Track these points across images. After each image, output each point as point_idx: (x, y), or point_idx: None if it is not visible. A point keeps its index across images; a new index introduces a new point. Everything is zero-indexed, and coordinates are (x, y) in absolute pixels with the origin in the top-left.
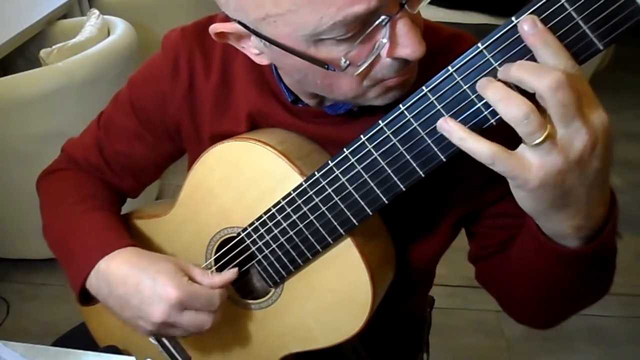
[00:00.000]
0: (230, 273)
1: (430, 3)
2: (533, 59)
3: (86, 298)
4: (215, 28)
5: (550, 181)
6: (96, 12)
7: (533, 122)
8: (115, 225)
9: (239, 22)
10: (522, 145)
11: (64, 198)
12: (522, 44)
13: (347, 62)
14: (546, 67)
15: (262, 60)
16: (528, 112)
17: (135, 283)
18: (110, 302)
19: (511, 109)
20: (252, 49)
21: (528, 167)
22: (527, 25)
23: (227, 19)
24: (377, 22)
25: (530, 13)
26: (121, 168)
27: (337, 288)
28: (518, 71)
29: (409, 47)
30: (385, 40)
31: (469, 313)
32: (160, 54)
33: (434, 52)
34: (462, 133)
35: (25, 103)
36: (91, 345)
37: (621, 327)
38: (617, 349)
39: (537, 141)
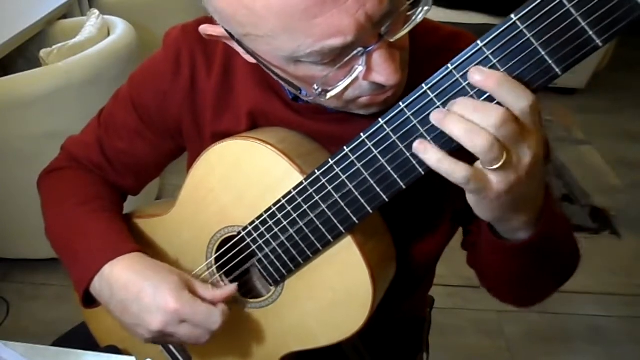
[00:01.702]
0: (231, 287)
1: None
2: (534, 54)
3: (89, 301)
4: (204, 30)
5: (506, 193)
6: (96, 12)
7: (495, 151)
8: (120, 228)
9: (225, 30)
10: (481, 166)
11: (66, 198)
12: (521, 41)
13: (319, 90)
14: (490, 106)
15: (251, 60)
16: (493, 142)
17: (136, 290)
18: (112, 306)
19: (477, 141)
20: (240, 50)
21: (490, 184)
22: (477, 76)
23: (215, 22)
24: (353, 53)
25: (530, 10)
26: (122, 166)
27: (338, 286)
28: (462, 111)
29: (384, 75)
30: (361, 68)
31: (469, 313)
32: (162, 52)
33: (433, 50)
34: (438, 154)
35: (25, 103)
36: (91, 345)
37: (621, 327)
38: (617, 349)
39: (497, 166)
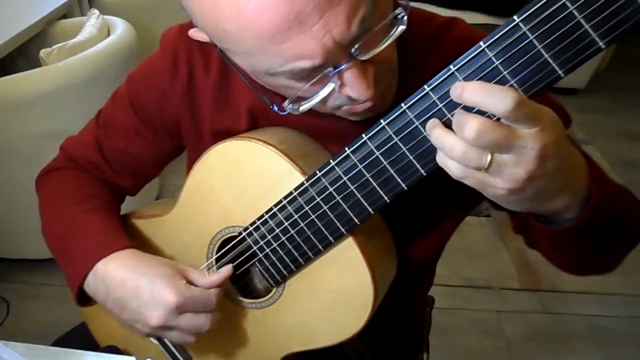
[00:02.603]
0: (227, 269)
1: (430, 3)
2: (537, 56)
3: (83, 299)
4: (192, 34)
5: (518, 189)
6: (96, 12)
7: (473, 160)
8: (114, 226)
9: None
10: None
11: (63, 198)
12: (524, 43)
13: (290, 106)
14: (465, 118)
15: None
16: (465, 151)
17: (133, 287)
18: (108, 305)
19: (455, 150)
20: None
21: (494, 183)
22: (454, 91)
23: None
24: (325, 72)
25: (532, 12)
26: (120, 166)
27: (339, 287)
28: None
29: (356, 92)
30: (333, 85)
31: (469, 313)
32: (159, 52)
33: (428, 40)
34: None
35: (25, 103)
36: (91, 345)
37: (621, 327)
38: (617, 349)
39: (485, 169)
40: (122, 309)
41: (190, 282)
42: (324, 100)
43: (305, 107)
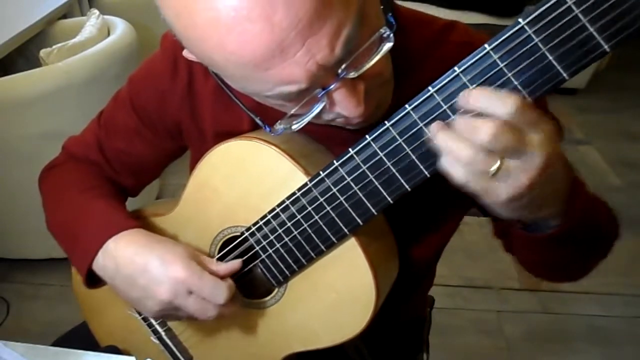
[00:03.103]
0: (235, 263)
1: (430, 3)
2: (542, 58)
3: (92, 280)
4: (186, 55)
5: (518, 196)
6: (96, 12)
7: (480, 164)
8: (122, 208)
9: None
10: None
11: (67, 189)
12: (529, 46)
13: (282, 127)
14: (479, 122)
15: None
16: (474, 155)
17: (143, 262)
18: (117, 282)
19: (463, 155)
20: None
21: (497, 189)
22: (462, 99)
23: None
24: (313, 94)
25: (538, 14)
26: (122, 166)
27: (341, 288)
28: (460, 125)
29: (345, 110)
30: (322, 104)
31: (469, 313)
32: (159, 53)
33: (430, 42)
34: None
35: (25, 103)
36: (91, 345)
37: (621, 327)
38: (617, 349)
39: (492, 174)
40: (131, 286)
41: (199, 264)
42: (317, 117)
43: (296, 126)
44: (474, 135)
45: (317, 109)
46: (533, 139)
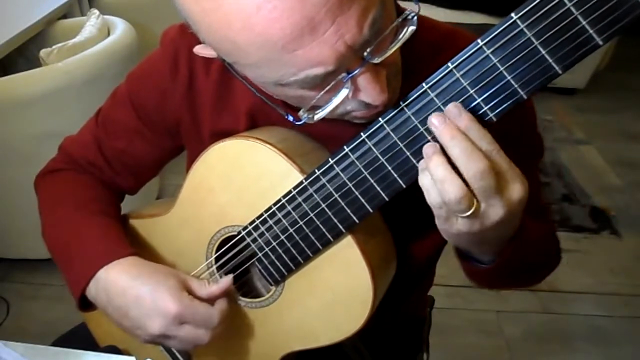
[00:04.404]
0: (226, 280)
1: (430, 3)
2: (534, 53)
3: (85, 304)
4: (197, 51)
5: (467, 235)
6: (96, 12)
7: (464, 203)
8: (116, 232)
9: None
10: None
11: (63, 202)
12: (521, 40)
13: (306, 115)
14: (475, 155)
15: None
16: (463, 195)
17: (134, 295)
18: (109, 311)
19: (450, 191)
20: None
21: (453, 221)
22: (437, 121)
23: None
24: (338, 78)
25: (530, 9)
26: (120, 165)
27: (338, 286)
28: (453, 149)
29: (370, 97)
30: (347, 90)
31: (469, 313)
32: (160, 51)
33: (433, 46)
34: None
35: (25, 103)
36: (91, 345)
37: (621, 327)
38: (617, 349)
39: (464, 215)
40: (123, 317)
41: (190, 292)
42: (334, 110)
43: (319, 115)
44: (467, 164)
45: (341, 97)
46: (507, 189)
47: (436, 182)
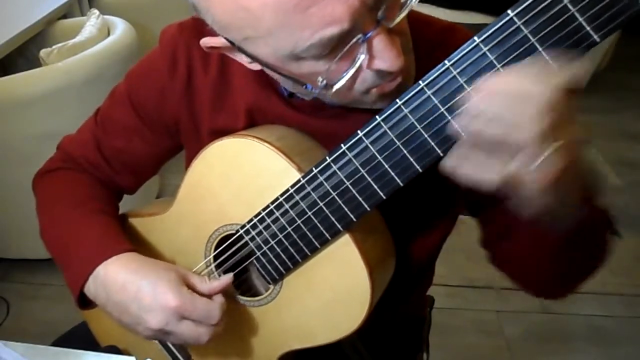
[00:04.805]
0: (227, 278)
1: (430, 3)
2: (531, 50)
3: (84, 302)
4: (205, 43)
5: (549, 189)
6: (96, 12)
7: (543, 140)
8: (114, 229)
9: (226, 39)
10: (516, 167)
11: (61, 201)
12: (518, 37)
13: (324, 82)
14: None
15: (255, 67)
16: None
17: (134, 290)
18: (109, 308)
19: (521, 135)
20: (243, 58)
21: (528, 183)
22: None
23: (215, 33)
24: (353, 41)
25: (527, 6)
26: (119, 164)
27: (336, 285)
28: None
29: (387, 61)
30: (363, 56)
31: (469, 313)
32: (158, 49)
33: (430, 44)
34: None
35: (25, 103)
36: (91, 345)
37: (621, 327)
38: (617, 349)
39: (535, 164)
40: (123, 313)
41: (190, 287)
42: (352, 84)
43: (338, 86)
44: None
45: (356, 65)
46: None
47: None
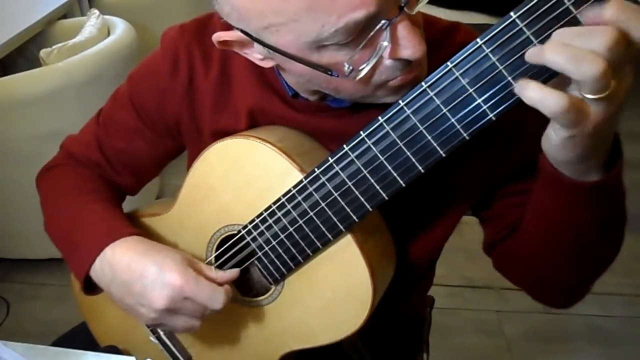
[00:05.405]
0: (233, 271)
1: (430, 3)
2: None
3: (89, 287)
4: (218, 37)
5: (601, 126)
6: (96, 12)
7: (606, 78)
8: (120, 215)
9: (242, 31)
10: (578, 96)
11: (66, 192)
12: (520, 39)
13: (350, 68)
14: (595, 28)
15: (267, 64)
16: (604, 68)
17: (140, 269)
18: (113, 289)
19: (586, 68)
20: (256, 54)
21: (588, 117)
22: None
23: (228, 26)
24: (377, 27)
25: (529, 8)
26: (121, 165)
27: (338, 285)
28: (562, 38)
29: (410, 48)
30: (386, 43)
31: (469, 313)
32: (160, 51)
33: (432, 44)
34: (537, 85)
35: (25, 103)
36: (91, 345)
37: (621, 327)
38: (617, 349)
39: (602, 95)
40: (127, 293)
41: (197, 271)
42: (371, 74)
43: (363, 72)
44: (593, 39)
45: (381, 50)
46: (631, 57)
47: (565, 66)
